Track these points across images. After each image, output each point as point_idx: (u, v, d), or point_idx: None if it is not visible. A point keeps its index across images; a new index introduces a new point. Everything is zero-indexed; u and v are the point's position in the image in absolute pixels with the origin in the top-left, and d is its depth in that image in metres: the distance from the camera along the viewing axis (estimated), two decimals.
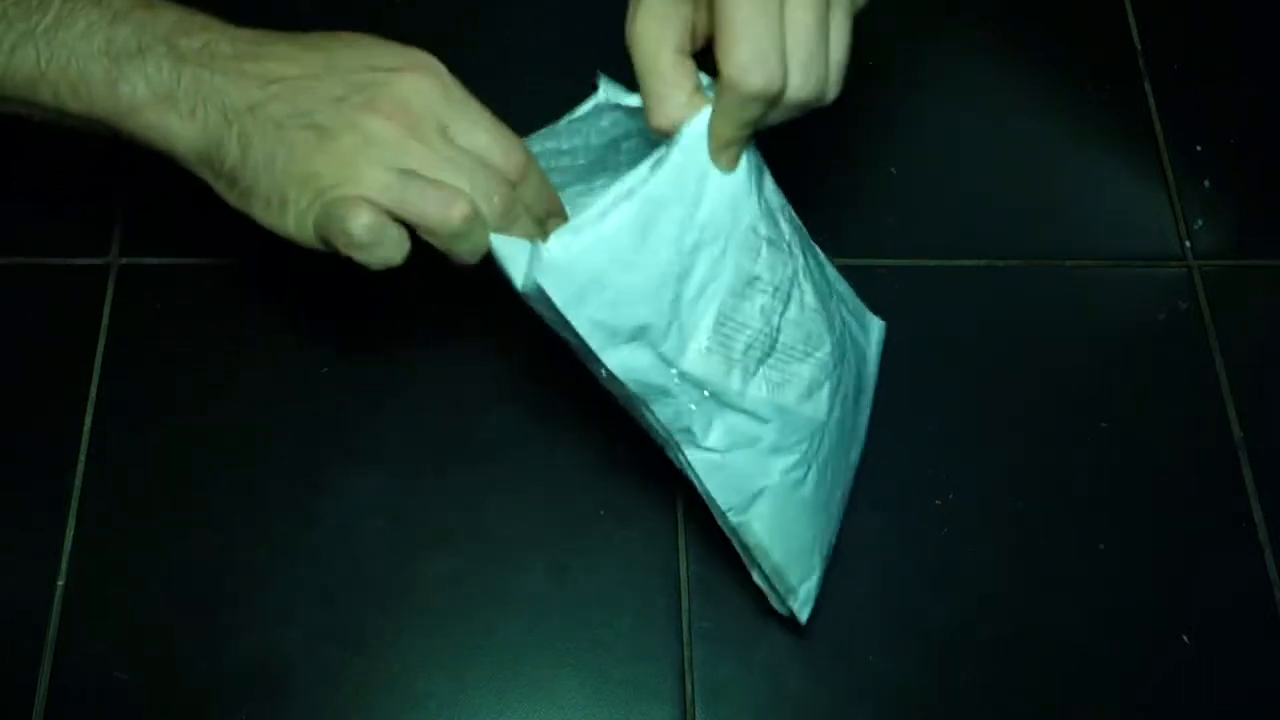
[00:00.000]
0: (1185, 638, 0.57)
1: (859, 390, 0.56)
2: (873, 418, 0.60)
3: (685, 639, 0.55)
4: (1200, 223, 0.67)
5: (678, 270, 0.45)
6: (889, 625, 0.56)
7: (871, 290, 0.64)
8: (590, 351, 0.46)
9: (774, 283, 0.48)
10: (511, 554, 0.57)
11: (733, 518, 0.51)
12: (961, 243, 0.66)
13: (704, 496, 0.51)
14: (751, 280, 0.47)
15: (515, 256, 0.45)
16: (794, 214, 0.52)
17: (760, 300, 0.48)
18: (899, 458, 0.60)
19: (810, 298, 0.50)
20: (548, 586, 0.56)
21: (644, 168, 0.44)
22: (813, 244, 0.54)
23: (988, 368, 0.63)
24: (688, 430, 0.48)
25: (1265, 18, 0.74)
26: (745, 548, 0.53)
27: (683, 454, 0.49)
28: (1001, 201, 0.67)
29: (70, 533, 0.56)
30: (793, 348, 0.50)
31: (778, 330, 0.49)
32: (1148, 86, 0.71)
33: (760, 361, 0.49)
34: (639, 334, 0.45)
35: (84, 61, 0.45)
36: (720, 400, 0.48)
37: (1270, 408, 0.62)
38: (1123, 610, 0.57)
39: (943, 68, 0.71)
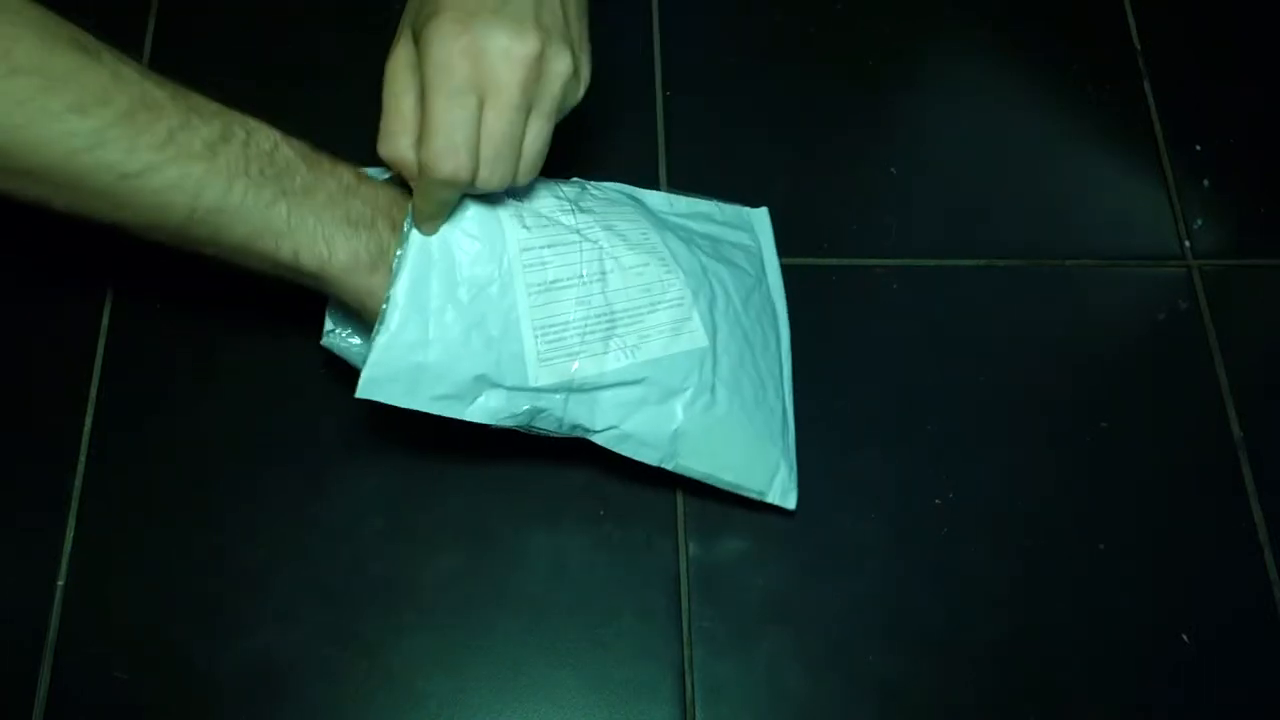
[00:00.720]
0: (1185, 638, 0.57)
1: (750, 288, 0.58)
2: (872, 416, 0.60)
3: (685, 639, 0.55)
4: (1200, 223, 0.67)
5: (470, 322, 0.50)
6: (889, 625, 0.56)
7: (871, 290, 0.64)
8: (451, 418, 0.50)
9: (577, 274, 0.52)
10: (511, 554, 0.57)
11: (668, 465, 0.54)
12: (961, 243, 0.66)
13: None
14: (549, 285, 0.51)
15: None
16: (594, 191, 0.55)
17: (570, 294, 0.51)
18: (899, 458, 0.60)
19: (629, 258, 0.53)
20: (548, 586, 0.56)
21: (395, 263, 0.49)
22: (636, 198, 0.58)
23: (988, 367, 0.63)
24: (579, 425, 0.53)
25: (1265, 18, 0.73)
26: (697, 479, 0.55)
27: (590, 442, 0.53)
28: (1001, 201, 0.67)
29: (70, 533, 0.56)
30: (635, 308, 0.53)
31: (608, 304, 0.52)
32: (1148, 86, 0.71)
33: (606, 338, 0.52)
34: (480, 384, 0.50)
35: (326, 227, 0.48)
36: (586, 388, 0.52)
37: (1270, 408, 0.62)
38: (1123, 610, 0.57)
39: (943, 68, 0.72)
